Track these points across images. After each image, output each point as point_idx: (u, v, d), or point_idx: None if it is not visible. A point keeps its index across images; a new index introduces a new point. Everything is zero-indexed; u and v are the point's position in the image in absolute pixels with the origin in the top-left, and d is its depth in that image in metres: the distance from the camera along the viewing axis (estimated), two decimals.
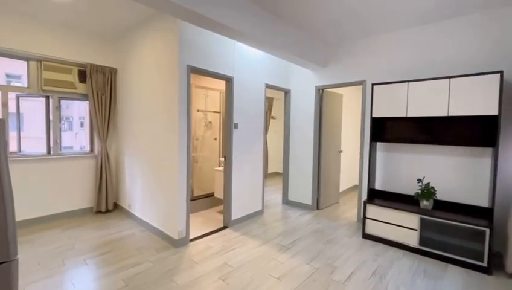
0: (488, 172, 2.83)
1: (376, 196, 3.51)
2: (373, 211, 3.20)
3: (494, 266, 2.56)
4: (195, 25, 2.63)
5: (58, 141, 3.79)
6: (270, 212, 4.23)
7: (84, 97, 3.94)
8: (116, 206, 4.23)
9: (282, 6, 2.90)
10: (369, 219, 3.22)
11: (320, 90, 4.35)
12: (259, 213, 4.08)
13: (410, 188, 3.30)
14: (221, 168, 3.90)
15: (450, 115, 2.79)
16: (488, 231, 2.47)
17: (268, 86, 4.19)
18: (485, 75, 2.58)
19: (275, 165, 7.51)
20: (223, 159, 3.73)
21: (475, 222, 2.57)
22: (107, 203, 4.02)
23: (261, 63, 3.99)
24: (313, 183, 4.38)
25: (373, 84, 3.34)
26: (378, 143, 3.61)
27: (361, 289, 2.23)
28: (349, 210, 4.41)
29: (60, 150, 3.82)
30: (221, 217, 3.83)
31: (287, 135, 4.71)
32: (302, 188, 4.53)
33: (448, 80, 2.80)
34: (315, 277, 2.40)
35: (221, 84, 4.37)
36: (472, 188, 2.93)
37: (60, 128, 3.84)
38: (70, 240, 3.06)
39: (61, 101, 3.86)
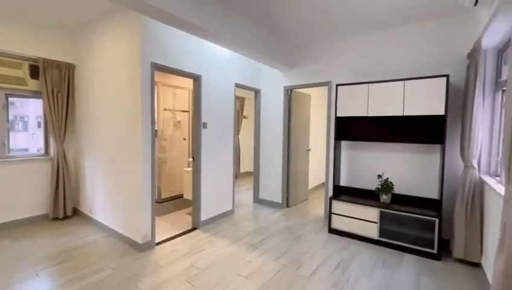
0: (438, 167, 3.09)
1: (341, 192, 3.66)
2: (338, 206, 3.34)
3: (444, 252, 2.80)
4: (163, 23, 2.54)
5: (6, 142, 3.44)
6: (241, 212, 4.23)
7: (37, 95, 3.62)
8: (76, 211, 3.94)
9: (252, 7, 2.91)
10: (335, 214, 3.36)
11: (289, 91, 4.45)
12: (230, 213, 4.07)
13: (372, 184, 3.49)
14: (190, 169, 3.81)
15: (405, 114, 3.00)
16: (437, 220, 2.71)
17: (238, 86, 4.18)
18: (433, 78, 2.82)
19: (248, 165, 7.52)
20: (191, 159, 3.66)
21: (426, 213, 2.79)
22: (65, 208, 3.73)
23: (231, 62, 3.97)
24: (283, 182, 4.46)
25: (337, 85, 3.48)
26: (342, 141, 3.77)
27: (325, 282, 2.31)
28: (318, 207, 4.56)
29: (8, 152, 3.47)
30: (190, 218, 3.75)
31: (257, 134, 4.75)
32: (272, 187, 4.59)
33: (403, 82, 3.01)
34: (282, 273, 2.44)
35: (190, 83, 4.27)
36: (424, 182, 3.18)
37: (8, 129, 3.49)
38: (20, 250, 2.80)
39: (14, 99, 3.51)
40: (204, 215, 3.59)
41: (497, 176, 2.50)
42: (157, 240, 3.03)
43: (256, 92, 4.70)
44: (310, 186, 5.42)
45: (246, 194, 5.38)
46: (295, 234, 3.37)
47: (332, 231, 3.38)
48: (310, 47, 4.11)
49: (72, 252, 2.79)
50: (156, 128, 3.96)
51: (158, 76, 3.95)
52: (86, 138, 3.72)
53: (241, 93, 6.38)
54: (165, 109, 4.17)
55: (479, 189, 2.54)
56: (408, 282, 2.33)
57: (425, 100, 2.87)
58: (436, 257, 2.72)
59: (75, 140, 3.95)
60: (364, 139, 3.43)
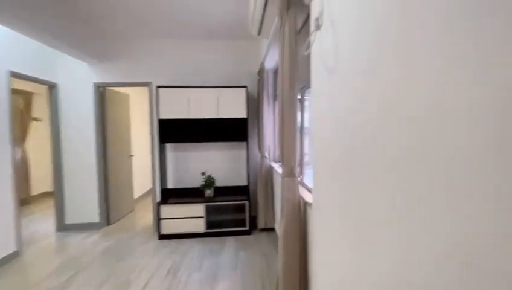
0: (245, 159, 3.83)
1: (170, 195, 3.62)
2: (166, 210, 3.27)
3: (253, 227, 3.52)
4: None
5: None
6: (35, 249, 3.08)
7: None
8: None
9: None
10: (164, 219, 3.26)
11: (101, 88, 3.78)
12: (14, 256, 2.84)
13: (198, 182, 3.73)
14: None
15: (219, 117, 3.46)
16: (247, 203, 3.35)
17: (16, 75, 3.00)
18: (237, 88, 3.45)
19: (45, 184, 5.63)
20: None
21: (239, 199, 3.39)
22: None
23: (1, 41, 2.76)
24: (100, 197, 3.74)
25: (158, 87, 3.40)
26: (168, 144, 3.73)
27: None
28: (146, 216, 4.24)
29: None
30: None
31: (57, 141, 3.64)
32: (85, 205, 3.72)
33: (216, 89, 3.44)
34: None
35: None
36: (237, 173, 3.84)
37: None
38: None
39: None
40: None
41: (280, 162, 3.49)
42: None
43: (52, 87, 3.60)
44: (136, 195, 4.95)
45: (44, 222, 4.00)
46: (119, 253, 2.93)
47: (162, 237, 3.27)
48: (126, 42, 3.70)
49: None
50: None
51: None
52: None
53: (25, 86, 4.66)
54: None
55: (270, 173, 3.41)
56: (230, 261, 2.71)
57: (233, 105, 3.45)
58: (248, 233, 3.36)
59: None
60: (188, 140, 3.59)
